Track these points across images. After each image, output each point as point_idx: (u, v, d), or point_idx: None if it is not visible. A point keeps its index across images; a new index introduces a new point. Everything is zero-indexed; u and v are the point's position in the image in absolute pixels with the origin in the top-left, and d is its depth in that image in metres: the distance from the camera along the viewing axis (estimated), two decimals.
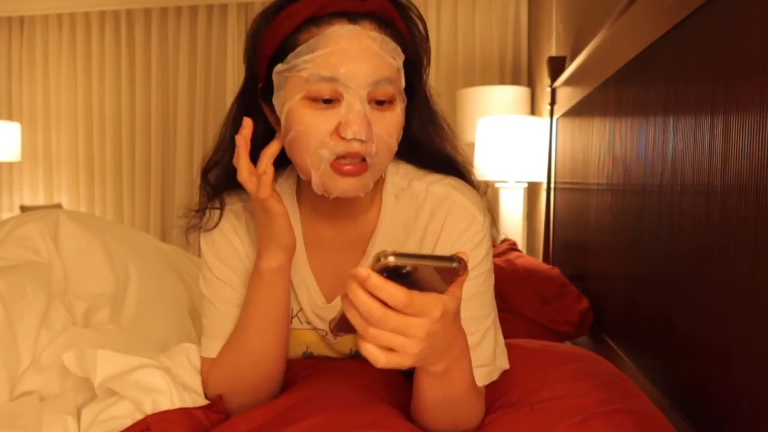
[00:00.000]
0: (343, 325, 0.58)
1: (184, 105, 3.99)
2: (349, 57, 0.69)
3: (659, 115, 1.01)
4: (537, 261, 1.80)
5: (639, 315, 1.13)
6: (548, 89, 2.20)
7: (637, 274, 1.14)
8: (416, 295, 0.52)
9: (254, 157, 0.76)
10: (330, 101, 0.70)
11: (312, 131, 0.70)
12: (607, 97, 1.38)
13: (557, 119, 2.11)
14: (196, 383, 0.84)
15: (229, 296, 0.84)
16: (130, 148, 4.11)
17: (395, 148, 0.75)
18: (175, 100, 4.03)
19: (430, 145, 0.84)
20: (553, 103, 2.16)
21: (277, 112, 0.75)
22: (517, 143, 2.26)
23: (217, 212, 0.84)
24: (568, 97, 1.90)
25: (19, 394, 0.85)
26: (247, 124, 0.73)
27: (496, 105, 2.77)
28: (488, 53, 3.57)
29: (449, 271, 0.52)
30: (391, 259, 0.49)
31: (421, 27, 0.79)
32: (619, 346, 1.25)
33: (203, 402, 0.82)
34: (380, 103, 0.72)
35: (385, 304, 0.51)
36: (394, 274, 0.51)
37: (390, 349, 0.53)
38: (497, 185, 2.47)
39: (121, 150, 4.12)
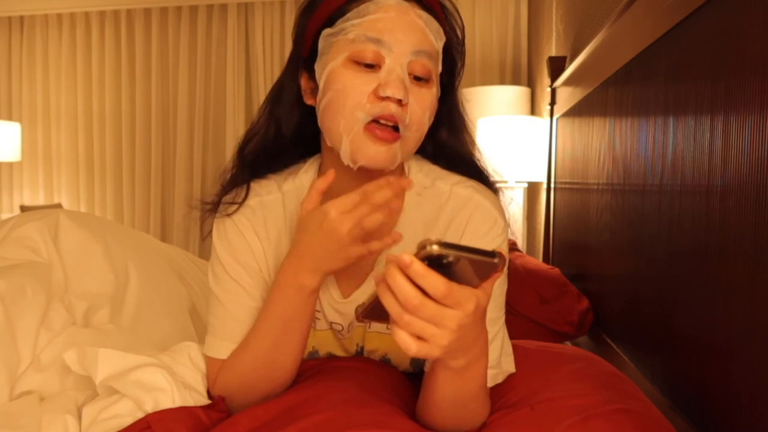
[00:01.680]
0: (371, 312, 0.58)
1: (184, 105, 3.99)
2: (396, 25, 0.72)
3: (659, 115, 1.01)
4: (537, 261, 1.80)
5: (639, 315, 1.13)
6: (548, 89, 2.20)
7: (637, 274, 1.14)
8: (454, 286, 0.52)
9: (282, 130, 0.81)
10: (372, 66, 0.72)
11: (350, 91, 0.71)
12: (607, 97, 1.38)
13: (557, 119, 2.11)
14: (197, 382, 0.83)
15: (240, 296, 0.82)
16: (130, 148, 4.11)
17: (425, 128, 0.76)
18: (175, 100, 4.03)
19: (458, 149, 0.85)
20: (553, 103, 2.16)
21: (317, 78, 0.76)
22: (517, 143, 2.26)
23: (240, 196, 0.83)
24: (568, 97, 1.90)
25: (19, 394, 0.85)
26: (331, 174, 0.73)
27: (496, 105, 2.77)
28: (488, 53, 3.57)
29: (487, 266, 0.52)
30: (435, 248, 0.49)
31: (459, 33, 0.81)
32: (619, 346, 1.25)
33: (204, 401, 0.81)
34: (418, 79, 0.73)
35: (423, 292, 0.52)
36: (434, 263, 0.51)
37: (420, 338, 0.54)
38: (497, 185, 2.47)
39: (121, 150, 4.12)
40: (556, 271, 1.69)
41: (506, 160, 2.27)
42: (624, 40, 1.22)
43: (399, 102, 0.71)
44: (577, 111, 1.76)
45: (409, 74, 0.73)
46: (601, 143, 1.44)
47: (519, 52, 3.53)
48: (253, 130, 0.84)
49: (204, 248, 3.67)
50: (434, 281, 0.51)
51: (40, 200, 4.25)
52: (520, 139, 2.26)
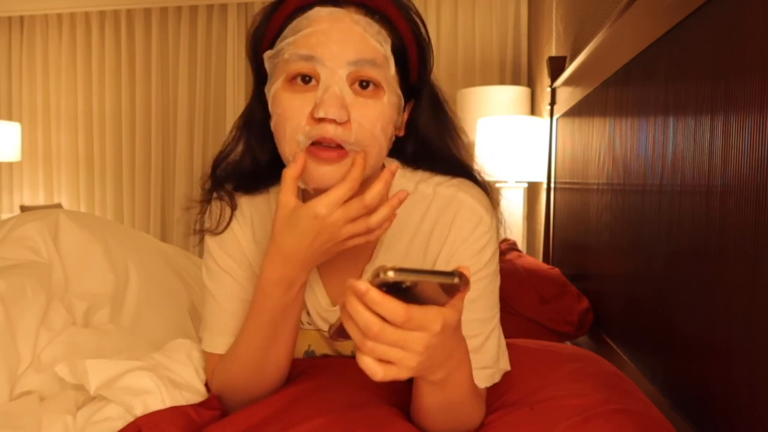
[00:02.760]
0: (341, 332, 0.57)
1: (184, 105, 3.99)
2: (329, 37, 0.68)
3: (659, 115, 1.01)
4: (537, 261, 1.80)
5: (639, 315, 1.13)
6: (548, 89, 2.20)
7: (637, 274, 1.14)
8: (415, 310, 0.51)
9: (259, 160, 0.79)
10: (308, 80, 0.68)
11: (289, 114, 0.68)
12: (607, 97, 1.38)
13: (557, 119, 2.11)
14: (193, 377, 0.83)
15: (232, 289, 0.82)
16: (130, 148, 4.11)
17: (383, 140, 0.71)
18: (175, 100, 4.03)
19: (440, 147, 0.82)
20: (553, 103, 2.16)
21: (267, 101, 0.73)
22: (517, 143, 2.26)
23: (227, 213, 0.82)
24: (568, 97, 1.90)
25: (19, 394, 0.85)
26: (300, 158, 0.68)
27: (496, 105, 2.77)
28: (488, 53, 3.57)
29: (450, 286, 0.51)
30: (391, 275, 0.49)
31: (421, 26, 0.77)
32: (619, 346, 1.25)
33: (197, 397, 0.81)
34: (364, 87, 0.69)
35: (384, 318, 0.51)
36: (393, 288, 0.50)
37: (388, 362, 0.53)
38: (497, 185, 2.47)
39: (121, 150, 4.12)
40: (556, 271, 1.69)
41: (506, 160, 2.27)
42: (624, 40, 1.21)
43: (334, 122, 0.66)
44: (577, 111, 1.76)
45: (353, 85, 0.69)
46: (601, 143, 1.44)
47: (519, 52, 3.53)
48: (224, 153, 0.81)
49: (203, 248, 3.67)
50: (392, 308, 0.50)
51: (40, 200, 4.25)
52: (520, 139, 2.26)
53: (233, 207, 0.82)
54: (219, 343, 0.82)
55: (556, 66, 2.15)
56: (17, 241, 1.09)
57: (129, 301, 1.14)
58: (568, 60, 2.10)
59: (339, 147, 0.68)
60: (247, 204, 0.83)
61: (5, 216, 4.08)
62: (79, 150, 4.16)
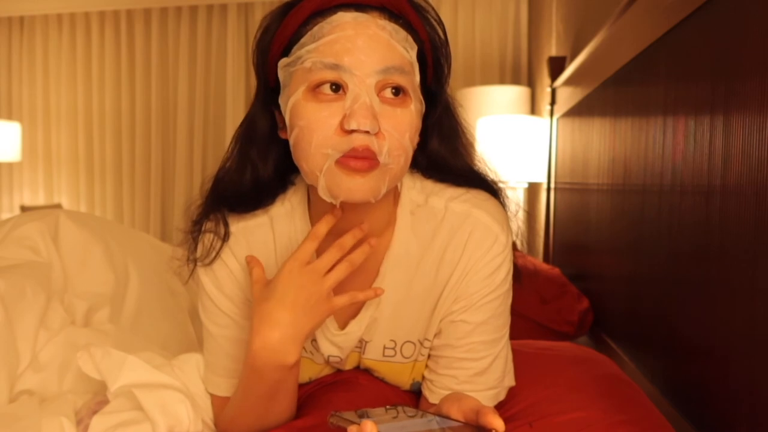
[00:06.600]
0: None
1: (184, 105, 4.00)
2: (356, 45, 0.64)
3: (659, 115, 1.01)
4: (537, 261, 1.80)
5: (639, 315, 1.13)
6: (548, 89, 2.20)
7: (637, 274, 1.14)
8: None
9: (260, 174, 0.75)
10: (336, 88, 0.65)
11: (315, 126, 0.64)
12: (607, 97, 1.38)
13: (557, 119, 2.11)
14: (208, 408, 0.83)
15: (232, 331, 0.78)
16: (130, 148, 4.12)
17: (410, 151, 0.68)
18: (175, 100, 4.03)
19: (453, 161, 0.78)
20: (553, 103, 2.16)
21: (283, 112, 0.69)
22: (517, 143, 2.26)
23: (218, 244, 0.76)
24: (568, 97, 1.90)
25: (17, 393, 0.85)
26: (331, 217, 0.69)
27: (496, 105, 2.77)
28: (488, 53, 3.57)
29: None
30: None
31: (440, 31, 0.73)
32: (619, 346, 1.25)
33: None
34: (394, 94, 0.66)
35: None
36: None
37: None
38: (500, 188, 2.47)
39: (121, 150, 4.12)
40: (556, 271, 1.69)
41: (506, 160, 2.27)
42: (624, 40, 1.21)
43: (367, 133, 0.63)
44: (577, 111, 1.76)
45: (381, 94, 0.65)
46: (601, 143, 1.44)
47: (519, 52, 3.53)
48: (224, 171, 0.76)
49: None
50: None
51: (40, 200, 4.25)
52: (520, 139, 2.26)
53: (225, 239, 0.76)
54: (224, 385, 0.80)
55: (556, 66, 2.15)
56: (17, 241, 1.09)
57: (129, 301, 1.14)
58: (568, 60, 2.10)
59: (370, 157, 0.65)
60: (242, 231, 0.77)
61: (5, 216, 4.08)
62: (79, 150, 4.17)
